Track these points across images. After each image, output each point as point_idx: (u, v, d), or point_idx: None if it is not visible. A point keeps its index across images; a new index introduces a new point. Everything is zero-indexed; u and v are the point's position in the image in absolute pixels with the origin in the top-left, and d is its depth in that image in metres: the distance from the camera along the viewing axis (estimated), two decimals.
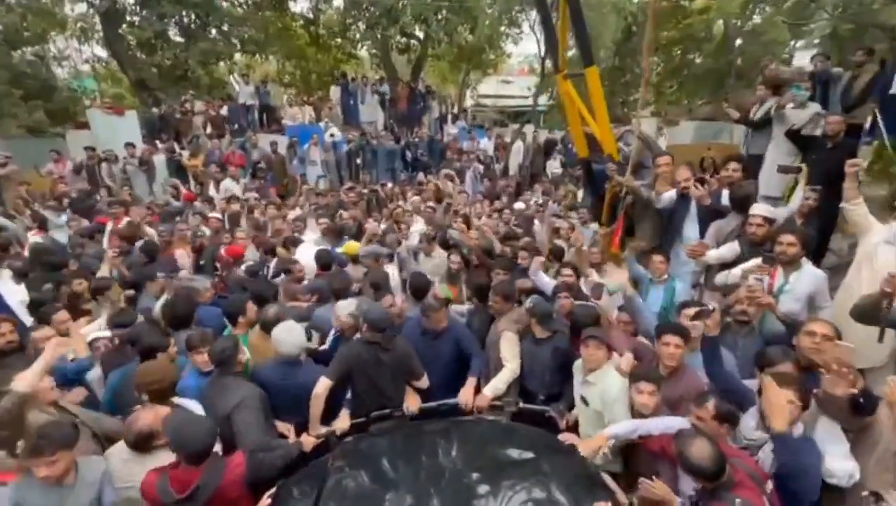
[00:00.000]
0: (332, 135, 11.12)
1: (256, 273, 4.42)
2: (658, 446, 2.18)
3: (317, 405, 2.70)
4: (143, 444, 2.16)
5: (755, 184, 3.86)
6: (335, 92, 13.12)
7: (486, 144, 12.00)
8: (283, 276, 4.43)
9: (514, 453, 2.16)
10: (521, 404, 2.96)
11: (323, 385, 2.71)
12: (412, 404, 2.92)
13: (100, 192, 8.16)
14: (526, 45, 24.09)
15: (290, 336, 2.80)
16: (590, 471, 2.20)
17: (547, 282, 3.77)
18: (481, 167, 10.68)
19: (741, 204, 3.59)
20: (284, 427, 2.75)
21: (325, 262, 4.30)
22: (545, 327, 3.05)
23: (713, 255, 3.53)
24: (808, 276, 2.97)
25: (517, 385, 3.12)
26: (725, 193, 3.92)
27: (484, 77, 23.48)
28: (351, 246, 4.74)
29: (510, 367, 3.02)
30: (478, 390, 3.02)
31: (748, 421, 2.20)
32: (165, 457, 2.12)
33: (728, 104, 6.06)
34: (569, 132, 12.54)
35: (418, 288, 3.62)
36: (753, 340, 2.83)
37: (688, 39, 19.94)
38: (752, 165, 4.67)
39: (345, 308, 3.16)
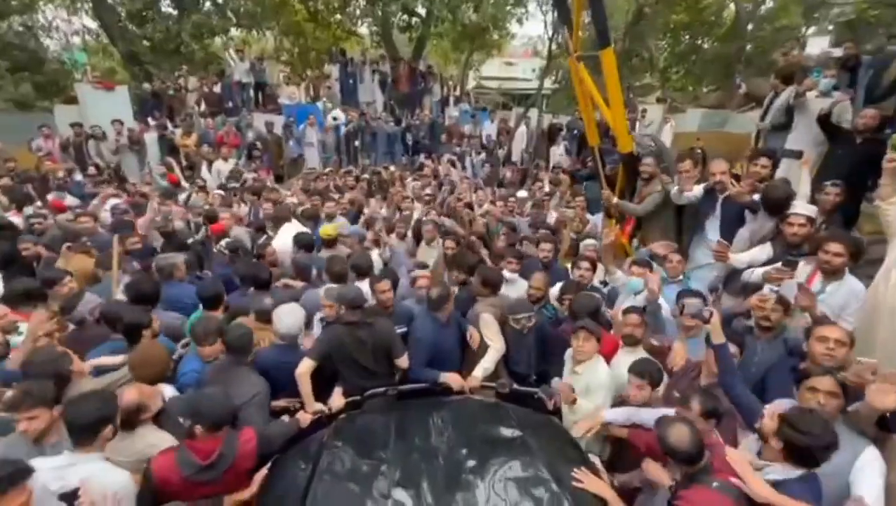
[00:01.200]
0: (335, 118, 10.75)
1: (236, 250, 4.32)
2: (644, 444, 2.22)
3: (304, 383, 2.75)
4: (130, 420, 2.12)
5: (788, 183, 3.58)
6: (331, 70, 12.66)
7: (490, 128, 11.63)
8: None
9: (503, 431, 2.21)
10: (515, 386, 3.01)
11: (305, 365, 2.76)
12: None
13: (87, 171, 7.84)
14: (530, 26, 23.40)
15: (291, 317, 2.88)
16: (575, 451, 2.26)
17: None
18: (483, 152, 10.38)
19: (778, 206, 3.27)
20: (287, 402, 2.81)
21: (305, 243, 4.27)
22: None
23: (744, 258, 3.28)
24: (848, 290, 2.76)
25: (504, 368, 3.21)
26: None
27: (487, 59, 22.93)
28: (328, 228, 4.62)
29: (495, 347, 3.11)
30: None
31: (752, 444, 2.09)
32: (149, 433, 2.17)
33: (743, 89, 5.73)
34: (575, 117, 12.27)
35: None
36: (774, 347, 2.66)
37: (697, 23, 19.44)
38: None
39: (330, 293, 3.15)
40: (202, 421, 2.02)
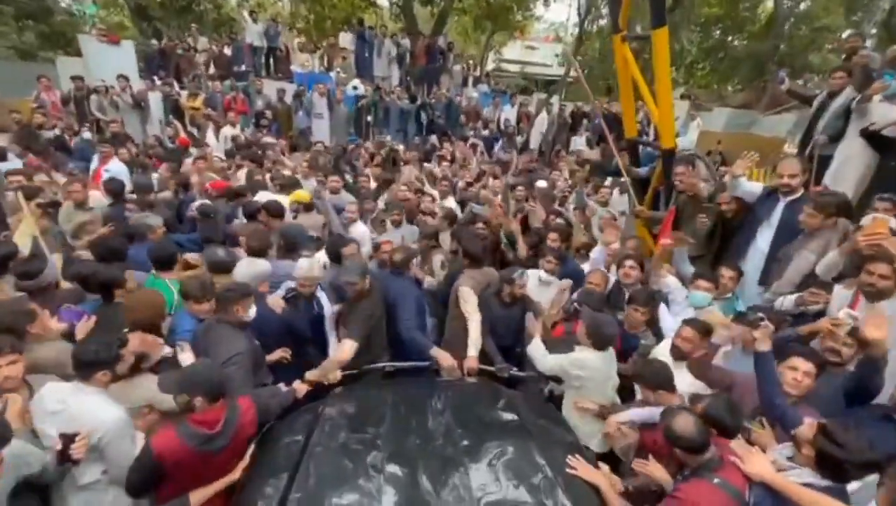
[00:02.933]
0: (354, 87, 10.24)
1: (208, 215, 4.19)
2: (651, 440, 2.20)
3: (335, 366, 2.77)
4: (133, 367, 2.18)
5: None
6: (346, 39, 12.07)
7: (509, 113, 11.12)
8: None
9: (499, 414, 2.21)
10: (515, 371, 3.01)
11: (352, 349, 2.78)
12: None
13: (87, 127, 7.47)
14: (552, 12, 22.61)
15: (253, 268, 3.04)
16: (571, 437, 2.28)
17: None
18: (501, 137, 9.92)
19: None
20: (278, 355, 2.88)
21: (274, 211, 4.07)
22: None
23: (820, 271, 2.91)
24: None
25: (497, 350, 3.15)
26: None
27: (508, 41, 22.14)
28: (300, 195, 4.55)
29: (475, 318, 3.08)
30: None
31: (783, 450, 1.94)
32: (147, 381, 2.23)
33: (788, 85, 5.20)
34: (594, 106, 11.75)
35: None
36: (832, 383, 2.28)
37: (730, 18, 18.61)
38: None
39: (306, 269, 3.04)
40: (203, 393, 1.97)
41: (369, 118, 10.11)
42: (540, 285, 3.50)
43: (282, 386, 2.59)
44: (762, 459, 1.77)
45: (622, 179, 4.96)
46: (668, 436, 1.85)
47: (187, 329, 2.58)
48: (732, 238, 3.65)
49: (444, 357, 2.91)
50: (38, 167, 5.06)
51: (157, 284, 2.98)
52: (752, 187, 3.40)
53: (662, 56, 3.41)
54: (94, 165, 6.09)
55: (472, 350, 2.95)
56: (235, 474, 2.04)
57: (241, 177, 5.81)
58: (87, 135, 7.52)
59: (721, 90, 20.23)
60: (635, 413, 2.38)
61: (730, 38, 20.07)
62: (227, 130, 8.14)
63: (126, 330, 2.30)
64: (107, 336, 2.15)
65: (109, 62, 9.33)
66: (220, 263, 3.08)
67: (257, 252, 3.31)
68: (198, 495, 1.96)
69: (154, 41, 11.06)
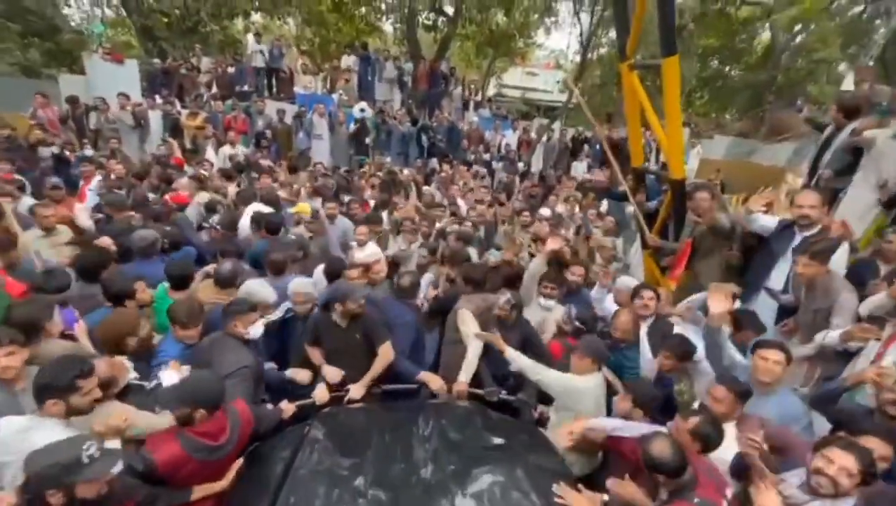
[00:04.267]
0: (361, 110, 10.24)
1: (231, 227, 4.34)
2: (635, 457, 2.10)
3: (378, 371, 2.85)
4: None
5: None
6: (349, 61, 12.17)
7: (510, 137, 11.12)
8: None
9: (486, 438, 2.21)
10: (504, 395, 2.95)
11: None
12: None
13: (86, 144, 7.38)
14: (553, 39, 23.05)
15: (264, 289, 2.99)
16: (558, 463, 2.23)
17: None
18: (502, 162, 9.87)
19: None
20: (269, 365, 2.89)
21: (268, 226, 4.20)
22: (517, 315, 3.16)
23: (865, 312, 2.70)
24: None
25: (486, 367, 3.09)
26: None
27: (509, 67, 22.53)
28: (303, 207, 4.78)
29: (474, 343, 3.01)
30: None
31: (792, 479, 1.87)
32: (111, 409, 2.04)
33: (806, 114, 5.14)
34: (596, 132, 11.77)
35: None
36: None
37: (727, 49, 18.97)
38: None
39: (302, 286, 3.10)
40: (203, 405, 1.98)
41: (368, 140, 10.06)
42: (540, 310, 3.51)
43: (269, 406, 2.58)
44: (773, 496, 1.74)
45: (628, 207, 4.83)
46: (646, 461, 1.86)
47: (171, 354, 2.48)
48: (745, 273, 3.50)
49: (433, 380, 2.92)
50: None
51: (169, 302, 2.88)
52: (768, 222, 3.25)
53: (673, 85, 3.30)
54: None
55: (464, 375, 2.93)
56: (225, 482, 2.07)
57: (231, 193, 5.74)
58: (88, 151, 7.42)
59: (719, 119, 20.46)
60: (621, 426, 2.35)
61: (727, 69, 20.46)
62: (227, 149, 8.07)
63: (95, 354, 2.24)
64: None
65: (112, 80, 9.34)
66: (226, 278, 3.10)
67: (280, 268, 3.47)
68: (200, 489, 2.02)
69: (158, 60, 11.10)
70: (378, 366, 2.87)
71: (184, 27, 12.89)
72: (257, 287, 2.99)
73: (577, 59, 19.63)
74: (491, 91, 20.67)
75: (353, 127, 9.97)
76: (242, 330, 2.54)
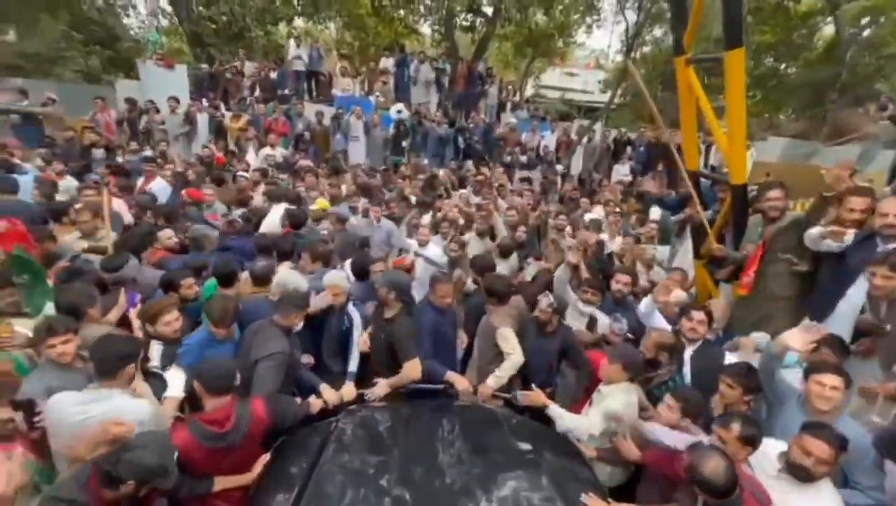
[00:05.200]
0: (399, 111, 10.26)
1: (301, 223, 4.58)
2: (671, 470, 2.05)
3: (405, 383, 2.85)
4: None
5: None
6: (387, 63, 12.21)
7: (549, 139, 10.81)
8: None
9: (513, 443, 2.17)
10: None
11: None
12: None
13: (130, 145, 7.72)
14: (593, 39, 22.47)
15: (295, 278, 3.05)
16: (587, 473, 2.17)
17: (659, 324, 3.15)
18: (540, 164, 9.58)
19: None
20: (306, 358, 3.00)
21: (293, 221, 4.48)
22: (558, 319, 3.11)
23: None
24: None
25: (519, 377, 3.05)
26: None
27: (548, 67, 22.09)
28: (322, 203, 5.04)
29: (514, 358, 2.93)
30: None
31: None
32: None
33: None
34: (642, 133, 11.26)
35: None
36: None
37: (783, 45, 17.77)
38: None
39: (337, 279, 3.12)
40: (210, 384, 2.07)
41: (405, 143, 10.03)
42: (576, 315, 3.44)
43: (297, 399, 2.61)
44: None
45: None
46: (694, 477, 1.76)
47: (193, 341, 2.64)
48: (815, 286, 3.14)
49: (459, 381, 2.91)
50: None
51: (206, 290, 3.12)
52: (835, 242, 2.89)
53: (737, 81, 3.01)
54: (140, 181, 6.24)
55: (493, 381, 2.88)
56: (252, 475, 2.13)
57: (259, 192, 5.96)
58: (148, 152, 7.77)
59: (773, 119, 19.24)
60: (662, 433, 2.27)
61: (783, 66, 19.17)
62: (266, 151, 8.26)
63: None
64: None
65: (164, 85, 9.76)
66: (261, 275, 3.28)
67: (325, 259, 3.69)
68: (221, 481, 2.09)
69: (205, 65, 11.54)
70: (401, 379, 2.84)
71: (230, 33, 13.34)
72: (290, 276, 3.09)
73: (619, 58, 19.09)
74: (528, 92, 20.32)
75: (390, 128, 9.98)
76: (285, 322, 2.66)
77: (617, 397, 2.49)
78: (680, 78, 3.49)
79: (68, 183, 5.60)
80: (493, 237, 4.81)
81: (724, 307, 3.51)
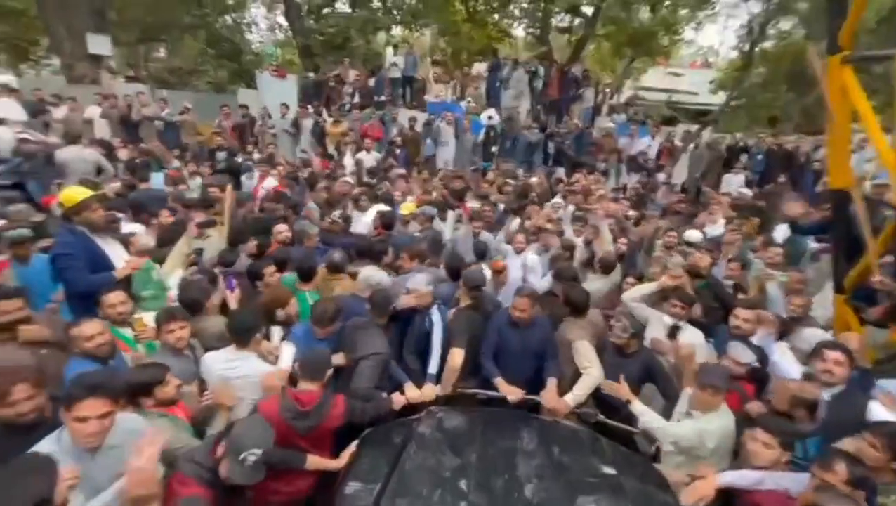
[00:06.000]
0: (489, 117, 10.27)
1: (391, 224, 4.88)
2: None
3: (453, 374, 2.94)
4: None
5: None
6: (480, 68, 12.20)
7: (649, 144, 10.00)
8: None
9: (595, 465, 2.11)
10: (601, 417, 2.84)
11: (459, 356, 2.94)
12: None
13: (246, 148, 8.58)
14: (701, 35, 20.51)
15: (379, 275, 3.31)
16: (672, 503, 2.04)
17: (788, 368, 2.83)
18: (638, 173, 8.90)
19: None
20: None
21: (384, 222, 4.73)
22: (637, 342, 2.98)
23: None
24: None
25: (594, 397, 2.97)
26: None
27: (649, 67, 20.57)
28: (408, 206, 5.26)
29: (594, 374, 2.87)
30: None
31: None
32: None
33: None
34: (761, 139, 9.96)
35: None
36: None
37: None
38: None
39: (421, 281, 3.19)
40: (302, 369, 2.34)
41: (493, 149, 9.92)
42: (663, 330, 3.23)
43: (383, 393, 2.73)
44: None
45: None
46: None
47: (299, 335, 2.90)
48: None
49: (506, 387, 2.92)
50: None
51: (298, 296, 3.22)
52: None
53: None
54: (254, 182, 6.91)
55: (571, 398, 2.82)
56: (341, 463, 2.25)
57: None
58: (256, 155, 8.63)
59: None
60: (734, 477, 2.11)
61: None
62: (362, 155, 8.68)
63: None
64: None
65: (277, 93, 10.83)
66: (337, 264, 3.55)
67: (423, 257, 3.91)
68: (313, 459, 2.24)
69: (312, 74, 12.48)
70: (447, 370, 2.97)
71: (335, 44, 14.29)
72: (374, 273, 3.31)
73: (734, 55, 17.12)
74: (626, 94, 19.10)
75: (479, 134, 9.95)
76: (381, 320, 2.92)
77: (716, 421, 2.36)
78: (832, 79, 2.94)
79: (196, 181, 6.38)
80: (572, 255, 4.48)
81: (857, 338, 2.91)
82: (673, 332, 3.21)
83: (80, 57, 10.55)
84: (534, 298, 3.07)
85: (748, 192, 7.47)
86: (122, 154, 7.09)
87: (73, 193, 3.03)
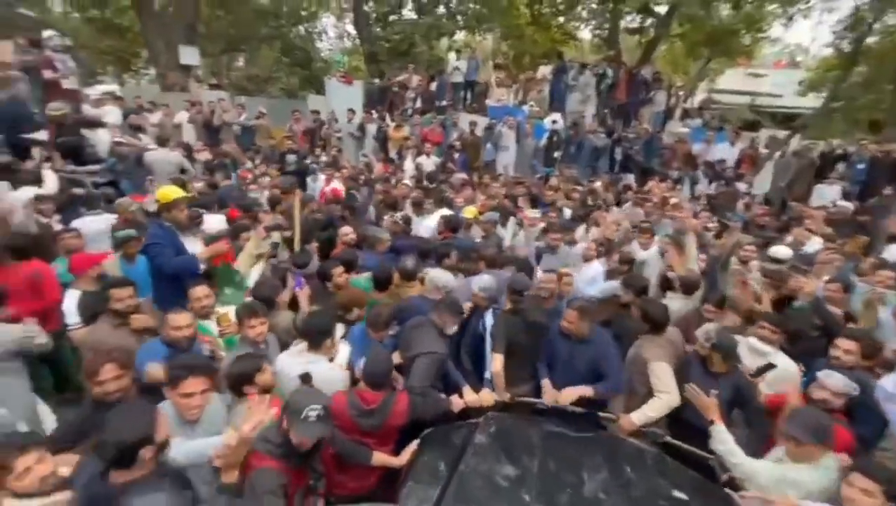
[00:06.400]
0: (553, 121, 10.05)
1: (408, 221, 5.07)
2: None
3: (499, 379, 2.96)
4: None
5: None
6: (544, 71, 11.91)
7: (727, 151, 9.26)
8: None
9: (663, 488, 2.03)
10: (668, 438, 2.69)
11: (499, 362, 2.95)
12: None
13: (315, 151, 8.96)
14: (787, 32, 18.71)
15: (445, 276, 3.32)
16: None
17: None
18: (715, 182, 8.25)
19: None
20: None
21: (449, 225, 4.77)
22: (727, 362, 2.75)
23: None
24: None
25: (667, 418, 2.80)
26: None
27: (727, 67, 19.13)
28: (470, 210, 5.26)
29: (665, 399, 2.72)
30: None
31: None
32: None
33: None
34: (863, 146, 8.87)
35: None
36: None
37: None
38: None
39: (487, 282, 3.22)
40: (370, 377, 2.38)
41: (557, 154, 9.63)
42: (752, 355, 2.98)
43: (442, 394, 2.75)
44: None
45: None
46: None
47: (357, 335, 3.04)
48: None
49: (551, 392, 2.92)
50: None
51: (370, 302, 3.37)
52: None
53: None
54: (319, 184, 7.20)
55: (637, 415, 2.72)
56: (402, 460, 2.34)
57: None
58: (323, 158, 9.03)
59: None
60: None
61: None
62: (421, 159, 8.78)
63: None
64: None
65: (344, 99, 11.26)
66: (409, 272, 3.58)
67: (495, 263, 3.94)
68: (379, 456, 2.35)
69: (377, 80, 12.85)
70: (492, 374, 3.00)
71: (400, 50, 14.63)
72: (440, 275, 3.35)
73: (828, 52, 15.47)
74: (699, 97, 17.91)
75: (542, 138, 9.72)
76: (439, 322, 2.89)
77: (807, 474, 2.09)
78: None
79: (265, 181, 6.75)
80: (630, 269, 4.20)
81: None
82: (761, 371, 2.86)
83: (173, 67, 11.65)
84: (583, 311, 2.97)
85: (849, 205, 6.65)
86: (202, 156, 7.74)
87: (169, 192, 3.32)
